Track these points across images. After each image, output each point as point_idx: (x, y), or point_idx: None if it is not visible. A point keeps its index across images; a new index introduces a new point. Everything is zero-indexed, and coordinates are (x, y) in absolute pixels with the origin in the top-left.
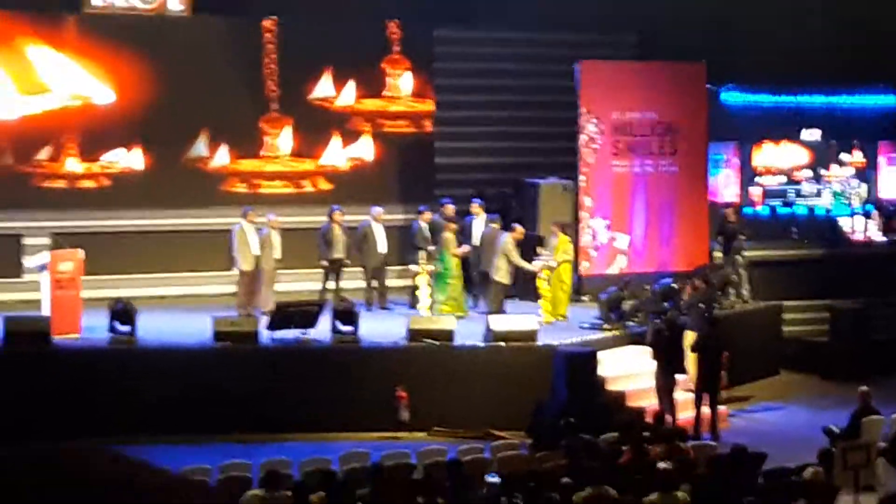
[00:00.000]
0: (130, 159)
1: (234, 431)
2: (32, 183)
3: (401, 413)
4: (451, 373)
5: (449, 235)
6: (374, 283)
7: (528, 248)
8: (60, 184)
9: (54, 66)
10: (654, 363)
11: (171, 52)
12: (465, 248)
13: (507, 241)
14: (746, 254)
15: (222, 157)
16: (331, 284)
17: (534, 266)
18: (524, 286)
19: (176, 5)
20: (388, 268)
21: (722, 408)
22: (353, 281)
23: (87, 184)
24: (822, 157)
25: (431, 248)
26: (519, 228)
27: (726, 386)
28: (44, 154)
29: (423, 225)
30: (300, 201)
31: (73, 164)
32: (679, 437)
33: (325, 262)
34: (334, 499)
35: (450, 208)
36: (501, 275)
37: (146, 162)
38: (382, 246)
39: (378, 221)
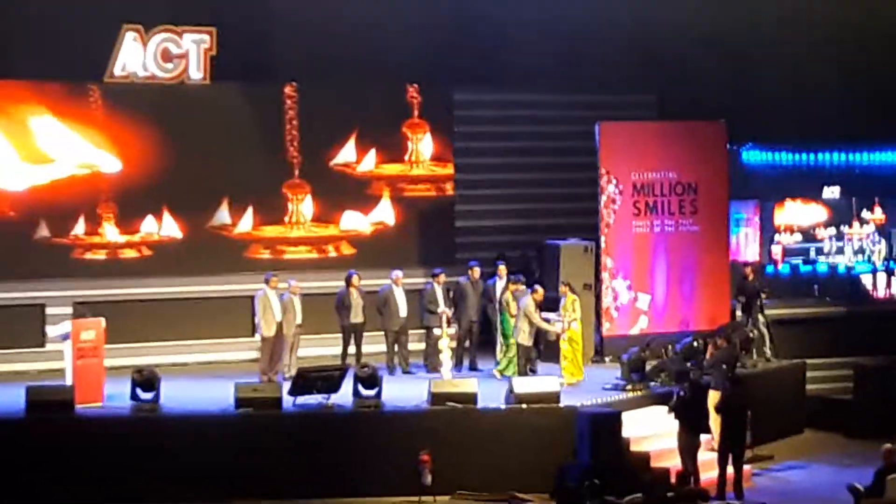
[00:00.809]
0: (154, 227)
1: (257, 498)
2: (62, 254)
3: (424, 477)
4: (474, 436)
5: (530, 301)
6: (396, 348)
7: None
8: (98, 254)
9: (55, 136)
10: (677, 423)
11: (193, 120)
12: (445, 311)
13: (529, 302)
14: (768, 312)
15: (245, 224)
16: (351, 349)
17: (555, 327)
18: (546, 348)
19: (196, 74)
20: (410, 331)
21: (746, 467)
22: (374, 345)
23: (125, 254)
24: (843, 215)
25: (449, 311)
26: (539, 290)
27: (750, 445)
28: (76, 226)
29: (437, 287)
30: (323, 266)
31: (110, 235)
32: (703, 497)
33: (343, 327)
34: None
35: (476, 270)
36: (523, 337)
37: (168, 230)
38: (403, 310)
39: (398, 285)
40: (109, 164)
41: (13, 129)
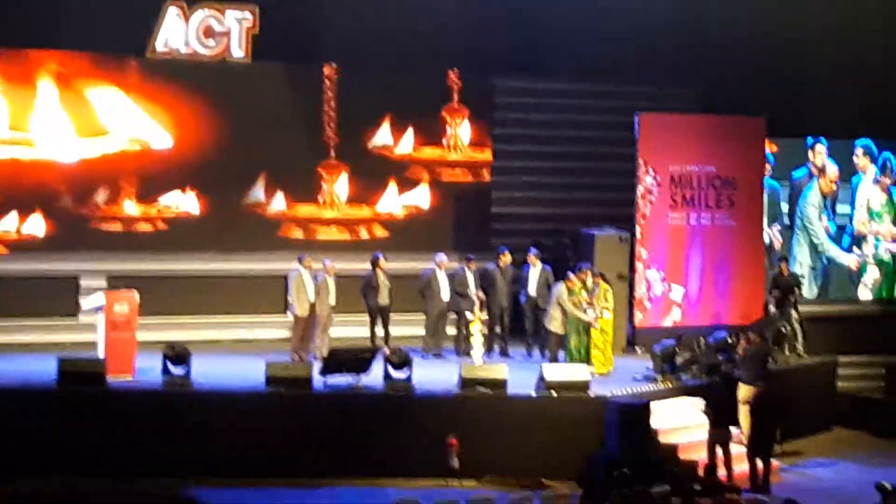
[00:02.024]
0: (188, 203)
1: (285, 476)
2: (90, 225)
3: (451, 460)
4: (503, 421)
5: (563, 289)
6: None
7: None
8: (117, 226)
9: (114, 108)
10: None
11: (232, 97)
12: (477, 294)
13: (562, 290)
14: (801, 308)
15: (279, 203)
16: (379, 331)
17: (588, 316)
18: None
19: (237, 52)
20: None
21: (774, 462)
22: (407, 327)
23: (145, 227)
24: None
25: (480, 294)
26: (573, 278)
27: (779, 440)
28: (101, 197)
29: (468, 272)
30: (356, 248)
31: (130, 208)
32: (732, 490)
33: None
34: None
35: (507, 256)
36: (556, 325)
37: (203, 206)
38: (446, 293)
39: (442, 269)
40: (161, 139)
41: (70, 100)
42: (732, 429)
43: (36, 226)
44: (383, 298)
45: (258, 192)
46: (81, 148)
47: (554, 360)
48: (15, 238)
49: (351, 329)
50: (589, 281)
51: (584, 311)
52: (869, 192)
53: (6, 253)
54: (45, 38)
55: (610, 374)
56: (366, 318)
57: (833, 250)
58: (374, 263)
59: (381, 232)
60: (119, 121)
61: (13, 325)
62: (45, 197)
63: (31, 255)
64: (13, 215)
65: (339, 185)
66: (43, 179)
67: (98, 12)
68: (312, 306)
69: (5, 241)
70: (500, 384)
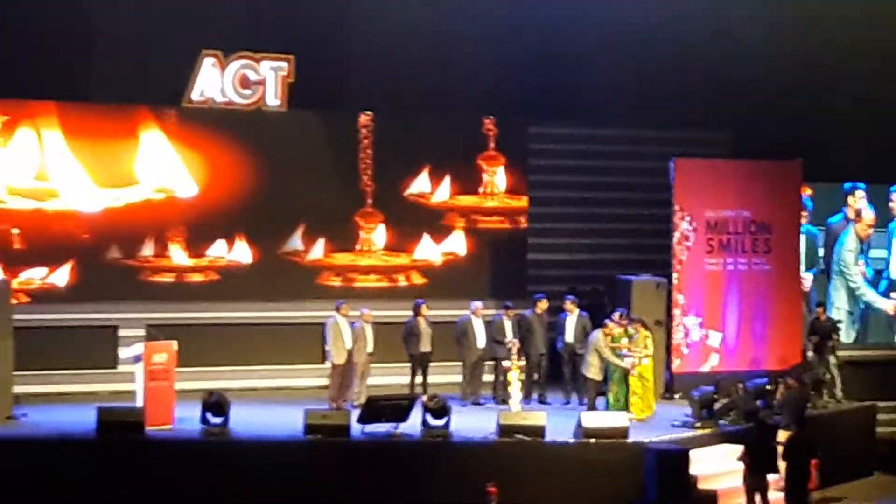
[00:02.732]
0: (228, 252)
1: None
2: (132, 276)
3: None
4: (542, 469)
5: (600, 336)
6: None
7: None
8: (166, 278)
9: (155, 156)
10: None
11: (268, 146)
12: (513, 341)
13: (599, 337)
14: (840, 353)
15: (317, 251)
16: (418, 378)
17: (626, 363)
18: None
19: (273, 100)
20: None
21: None
22: (445, 375)
23: (192, 277)
24: None
25: (515, 341)
26: (611, 325)
27: (818, 487)
28: (141, 246)
29: (506, 319)
30: (393, 295)
31: (173, 257)
32: None
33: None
34: None
35: (544, 303)
36: (594, 371)
37: (241, 255)
38: (482, 341)
39: (477, 316)
40: (186, 188)
41: (94, 151)
42: (770, 476)
43: (74, 275)
44: (425, 345)
45: (296, 240)
46: (105, 199)
47: (592, 407)
48: (46, 287)
49: (389, 377)
50: (629, 327)
51: (623, 358)
52: None
53: (30, 302)
54: (80, 89)
55: (648, 421)
56: (403, 365)
57: (870, 295)
58: (416, 311)
59: (418, 279)
60: (152, 171)
61: (53, 375)
62: (72, 247)
63: (69, 305)
64: (51, 267)
65: (377, 233)
66: (66, 230)
67: (133, 63)
68: (350, 354)
69: (35, 291)
70: (538, 431)
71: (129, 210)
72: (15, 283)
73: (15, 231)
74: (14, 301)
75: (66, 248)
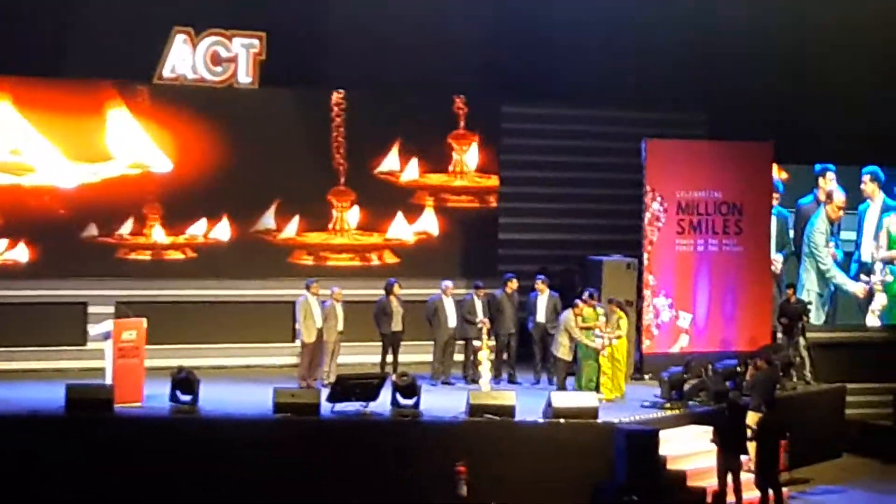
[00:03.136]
0: (198, 229)
1: (292, 503)
2: (107, 253)
3: (460, 488)
4: (512, 448)
5: (570, 315)
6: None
7: None
8: (143, 255)
9: (124, 132)
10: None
11: (241, 123)
12: (483, 321)
13: (569, 317)
14: (809, 335)
15: (290, 230)
16: (389, 358)
17: (596, 343)
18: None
19: (245, 77)
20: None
21: (783, 489)
22: (416, 354)
23: (169, 255)
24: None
25: (486, 321)
26: (580, 304)
27: (786, 468)
28: (108, 223)
29: (476, 299)
30: (366, 274)
31: (157, 236)
32: None
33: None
34: None
35: (513, 283)
36: (563, 351)
37: (213, 233)
38: (453, 320)
39: (448, 295)
40: (161, 164)
41: (68, 127)
42: (742, 457)
43: (35, 252)
44: (396, 325)
45: (268, 218)
46: (83, 173)
47: (562, 387)
48: (12, 264)
49: (359, 356)
50: (598, 307)
51: (593, 339)
52: (890, 220)
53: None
54: (52, 65)
55: (618, 401)
56: (374, 344)
57: (840, 277)
58: (388, 290)
59: (391, 258)
60: (124, 147)
61: (21, 352)
62: (48, 222)
63: (38, 282)
64: (17, 242)
65: (350, 213)
66: (44, 205)
67: (104, 39)
68: (320, 332)
69: (4, 266)
70: (508, 411)
71: (105, 186)
72: None
73: None
74: None
75: (38, 224)
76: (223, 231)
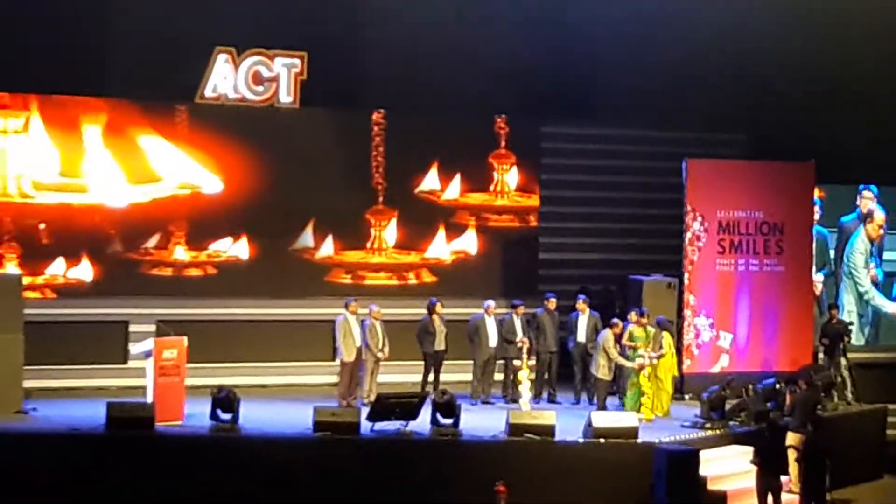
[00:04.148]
0: (238, 248)
1: None
2: (140, 270)
3: None
4: (551, 468)
5: (608, 334)
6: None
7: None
8: (167, 271)
9: (165, 155)
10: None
11: (281, 143)
12: (524, 340)
13: (607, 336)
14: (851, 355)
15: (328, 248)
16: (431, 377)
17: (635, 363)
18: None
19: (286, 97)
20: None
21: None
22: (456, 373)
23: (194, 272)
24: None
25: (526, 340)
26: (619, 324)
27: (829, 489)
28: (152, 242)
29: (515, 318)
30: (404, 293)
31: (180, 253)
32: None
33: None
34: None
35: (553, 302)
36: (603, 371)
37: (252, 251)
38: (493, 340)
39: (490, 315)
40: (211, 184)
41: (115, 147)
42: (782, 477)
43: (85, 270)
44: (439, 344)
45: (307, 237)
46: (132, 193)
47: (602, 406)
48: (63, 283)
49: (399, 375)
50: (648, 327)
51: (634, 358)
52: None
53: (54, 297)
54: (94, 85)
55: (656, 421)
56: (414, 363)
57: (878, 299)
58: (431, 309)
59: (429, 277)
60: (170, 166)
61: (62, 370)
62: (94, 241)
63: (81, 300)
64: (62, 260)
65: (388, 231)
66: (93, 224)
67: (147, 59)
68: (359, 351)
69: (54, 286)
70: (548, 430)
71: (153, 205)
72: (40, 279)
73: (42, 226)
74: (38, 296)
75: (85, 243)
76: (262, 250)
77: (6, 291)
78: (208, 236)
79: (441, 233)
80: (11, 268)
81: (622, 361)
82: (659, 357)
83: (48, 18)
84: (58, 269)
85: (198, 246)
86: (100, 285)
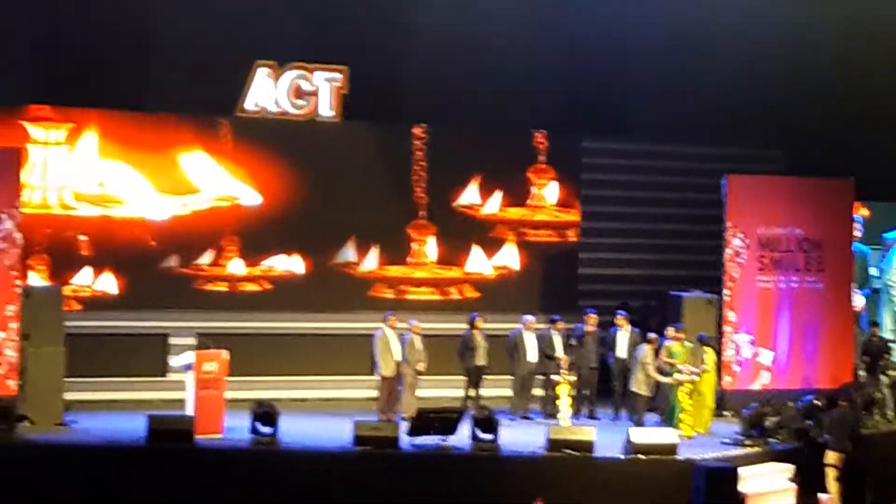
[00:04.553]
0: (286, 263)
1: None
2: (185, 284)
3: None
4: (590, 484)
5: (646, 350)
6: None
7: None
8: (219, 287)
9: (204, 168)
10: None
11: (321, 157)
12: (563, 357)
13: (645, 352)
14: (891, 373)
15: (370, 263)
16: (472, 392)
17: (669, 378)
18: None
19: (326, 111)
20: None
21: None
22: (495, 388)
23: (246, 287)
24: None
25: (567, 357)
26: (655, 339)
27: None
28: (192, 255)
29: (555, 333)
30: (445, 308)
31: (234, 268)
32: None
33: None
34: None
35: (593, 318)
36: (641, 386)
37: (293, 266)
38: (533, 355)
39: (529, 330)
40: (249, 197)
41: (156, 160)
42: (821, 495)
43: (119, 283)
44: (480, 359)
45: (348, 252)
46: (171, 205)
47: (639, 422)
48: (97, 294)
49: (439, 389)
50: (688, 343)
51: (674, 374)
52: None
53: (81, 309)
54: (136, 98)
55: (696, 437)
56: (454, 378)
57: None
58: (472, 324)
59: (471, 292)
60: (209, 180)
61: (103, 382)
62: (133, 254)
63: (120, 313)
64: (98, 271)
65: (429, 246)
66: (132, 236)
67: (188, 73)
68: (398, 366)
69: (89, 299)
70: (587, 446)
71: (193, 218)
72: (68, 290)
73: (83, 238)
74: (70, 308)
75: (123, 255)
76: (303, 263)
77: (48, 304)
78: (257, 251)
79: (480, 248)
80: (38, 279)
81: (657, 377)
82: (702, 373)
83: (91, 33)
84: (87, 279)
85: (251, 261)
86: (139, 298)
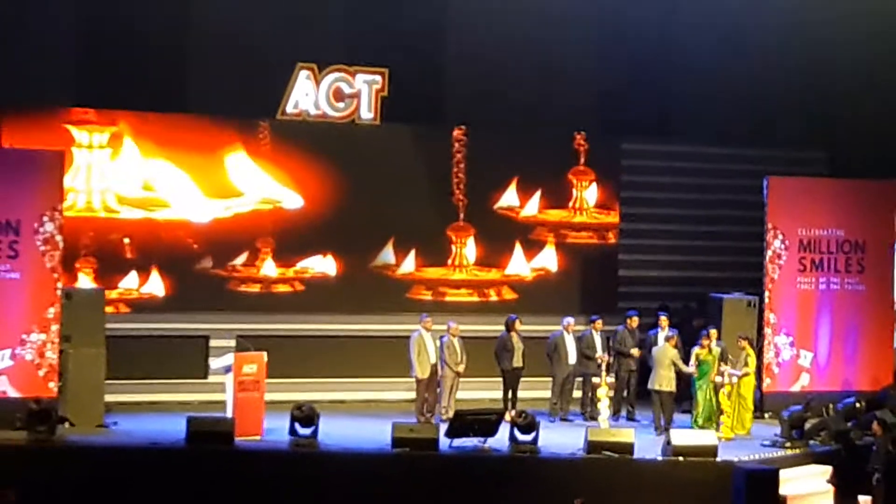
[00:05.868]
0: (321, 265)
1: None
2: (222, 286)
3: None
4: (630, 486)
5: (667, 347)
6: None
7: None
8: (253, 288)
9: (246, 171)
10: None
11: (362, 159)
12: (603, 357)
13: (666, 349)
14: None
15: (409, 265)
16: (510, 393)
17: (688, 369)
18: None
19: (367, 113)
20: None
21: None
22: (534, 391)
23: (279, 288)
24: None
25: (604, 357)
26: (674, 337)
27: None
28: (240, 259)
29: (594, 334)
30: (484, 310)
31: (269, 269)
32: None
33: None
34: None
35: (635, 319)
36: (667, 383)
37: (336, 268)
38: (573, 357)
39: (569, 332)
40: (291, 200)
41: (199, 162)
42: (862, 498)
43: (165, 285)
44: (517, 361)
45: (388, 253)
46: (214, 208)
47: (669, 419)
48: (144, 297)
49: (477, 391)
50: (714, 345)
51: (697, 366)
52: None
53: (129, 311)
54: (177, 101)
55: (735, 439)
56: (492, 380)
57: None
58: (509, 326)
59: (509, 294)
60: (250, 182)
61: (144, 384)
62: (177, 256)
63: (161, 315)
64: (143, 275)
65: (468, 248)
66: (175, 239)
67: (229, 76)
68: (433, 368)
69: (134, 300)
70: (626, 448)
71: (230, 221)
72: (115, 293)
73: (126, 241)
74: (114, 310)
75: (167, 258)
76: (342, 266)
77: (89, 306)
78: (293, 253)
79: (519, 249)
80: (86, 281)
81: (685, 369)
82: (744, 375)
83: (132, 36)
84: (133, 283)
85: (285, 262)
86: (181, 300)
